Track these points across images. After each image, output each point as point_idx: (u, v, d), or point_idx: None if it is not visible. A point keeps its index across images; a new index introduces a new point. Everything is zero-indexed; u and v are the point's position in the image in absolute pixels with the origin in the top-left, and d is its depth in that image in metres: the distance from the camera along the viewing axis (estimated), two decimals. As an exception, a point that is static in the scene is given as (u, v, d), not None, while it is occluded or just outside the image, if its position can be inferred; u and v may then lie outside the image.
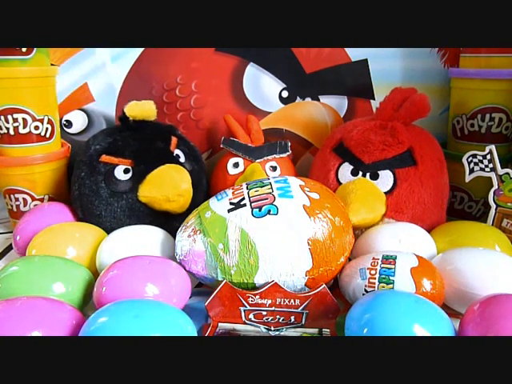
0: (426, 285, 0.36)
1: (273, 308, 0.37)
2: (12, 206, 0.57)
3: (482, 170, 0.50)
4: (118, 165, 0.50)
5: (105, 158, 0.50)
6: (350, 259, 0.43)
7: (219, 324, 0.38)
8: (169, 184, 0.48)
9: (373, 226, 0.48)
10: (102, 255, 0.44)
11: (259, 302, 0.37)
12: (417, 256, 0.39)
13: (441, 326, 0.31)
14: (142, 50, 0.61)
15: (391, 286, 0.36)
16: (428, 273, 0.37)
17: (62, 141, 0.60)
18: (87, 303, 0.40)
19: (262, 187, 0.42)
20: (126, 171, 0.50)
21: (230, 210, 0.40)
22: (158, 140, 0.52)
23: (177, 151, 0.53)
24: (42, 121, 0.54)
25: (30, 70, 0.52)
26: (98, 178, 0.50)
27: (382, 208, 0.48)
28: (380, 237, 0.45)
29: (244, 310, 0.38)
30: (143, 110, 0.51)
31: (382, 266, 0.38)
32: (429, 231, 0.47)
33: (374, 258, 0.39)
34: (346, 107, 0.65)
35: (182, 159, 0.53)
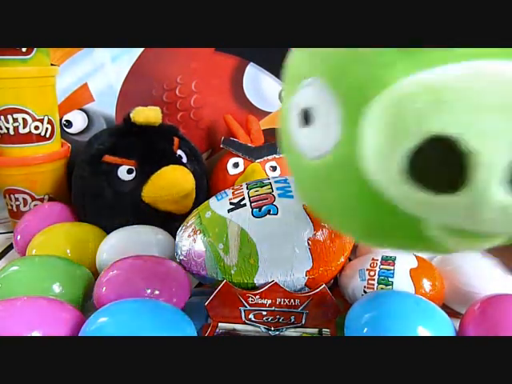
0: (426, 286, 0.36)
1: (273, 308, 0.37)
2: (12, 205, 0.57)
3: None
4: (121, 165, 0.50)
5: (108, 157, 0.50)
6: (350, 259, 0.43)
7: (219, 324, 0.38)
8: (174, 185, 0.48)
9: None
10: (101, 255, 0.44)
11: (259, 302, 0.37)
12: (416, 256, 0.39)
13: (441, 326, 0.31)
14: (141, 50, 0.61)
15: (390, 287, 0.37)
16: (427, 274, 0.37)
17: (62, 141, 0.60)
18: (87, 303, 0.40)
19: (262, 187, 0.42)
20: (129, 171, 0.50)
21: (230, 210, 0.40)
22: (162, 140, 0.52)
23: (179, 152, 0.53)
24: (42, 121, 0.54)
25: (30, 70, 0.52)
26: (101, 178, 0.50)
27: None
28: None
29: (244, 310, 0.38)
30: (149, 116, 0.51)
31: (381, 267, 0.38)
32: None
33: (373, 259, 0.39)
34: (346, 107, 0.65)
35: (184, 160, 0.53)
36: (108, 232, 0.48)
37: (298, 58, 0.17)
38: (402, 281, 0.36)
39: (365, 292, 0.37)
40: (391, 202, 0.13)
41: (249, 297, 0.37)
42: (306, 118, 0.15)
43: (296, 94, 0.16)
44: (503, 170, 0.10)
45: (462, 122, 0.10)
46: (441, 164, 0.11)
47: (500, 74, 0.10)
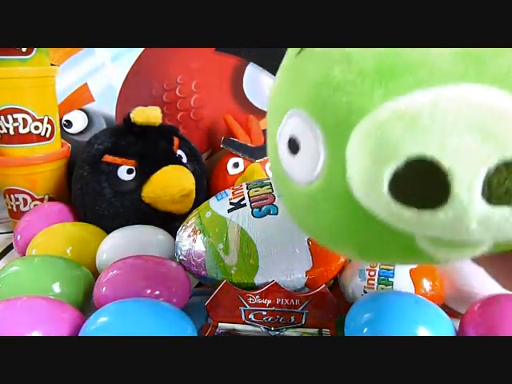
0: (426, 286, 0.36)
1: (273, 308, 0.37)
2: (12, 205, 0.57)
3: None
4: (121, 165, 0.50)
5: (108, 157, 0.50)
6: (350, 259, 0.43)
7: (219, 324, 0.38)
8: (174, 185, 0.48)
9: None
10: (101, 255, 0.44)
11: (259, 301, 0.37)
12: (417, 256, 0.39)
13: (441, 326, 0.31)
14: (141, 50, 0.61)
15: (390, 287, 0.37)
16: (427, 274, 0.37)
17: (62, 141, 0.60)
18: (87, 303, 0.40)
19: (261, 187, 0.42)
20: (129, 171, 0.50)
21: (230, 210, 0.40)
22: (162, 140, 0.52)
23: (179, 152, 0.53)
24: (42, 121, 0.54)
25: (30, 70, 0.52)
26: (101, 178, 0.50)
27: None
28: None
29: (244, 310, 0.38)
30: (149, 116, 0.51)
31: (381, 267, 0.38)
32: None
33: (373, 259, 0.39)
34: (346, 107, 0.65)
35: (184, 160, 0.54)
36: (108, 232, 0.48)
37: (279, 90, 0.18)
38: (402, 281, 0.36)
39: (365, 292, 0.37)
40: (381, 220, 0.13)
41: (249, 297, 0.37)
42: (293, 146, 0.16)
43: (281, 125, 0.17)
44: (479, 184, 0.11)
45: (434, 144, 0.11)
46: (423, 183, 0.12)
47: (462, 98, 0.11)
